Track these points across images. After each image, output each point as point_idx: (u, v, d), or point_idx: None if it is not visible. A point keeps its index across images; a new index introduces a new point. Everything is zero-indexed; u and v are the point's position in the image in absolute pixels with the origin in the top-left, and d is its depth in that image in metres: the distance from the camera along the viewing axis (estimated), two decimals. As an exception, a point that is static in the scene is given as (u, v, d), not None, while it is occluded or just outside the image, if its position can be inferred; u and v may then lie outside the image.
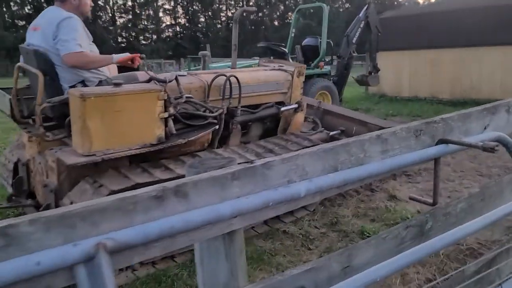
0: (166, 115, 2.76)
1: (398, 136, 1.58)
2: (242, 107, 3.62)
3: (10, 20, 46.41)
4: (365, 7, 9.53)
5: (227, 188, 1.12)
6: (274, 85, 3.90)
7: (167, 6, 56.89)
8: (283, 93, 4.04)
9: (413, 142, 1.65)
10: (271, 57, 8.86)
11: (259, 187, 1.18)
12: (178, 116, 2.91)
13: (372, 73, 9.83)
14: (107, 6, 53.22)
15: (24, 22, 46.98)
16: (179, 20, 57.76)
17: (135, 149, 2.63)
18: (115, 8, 53.43)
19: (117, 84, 2.64)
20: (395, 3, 54.02)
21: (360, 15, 9.41)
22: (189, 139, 2.86)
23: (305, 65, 4.28)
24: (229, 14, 58.10)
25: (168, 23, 58.03)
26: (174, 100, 2.80)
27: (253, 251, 3.53)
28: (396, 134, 1.57)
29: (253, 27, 56.75)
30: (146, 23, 56.53)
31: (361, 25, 9.21)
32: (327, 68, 8.96)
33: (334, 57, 9.78)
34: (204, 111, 3.16)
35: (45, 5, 46.95)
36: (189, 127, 2.99)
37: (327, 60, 9.21)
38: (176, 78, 2.97)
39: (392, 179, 5.31)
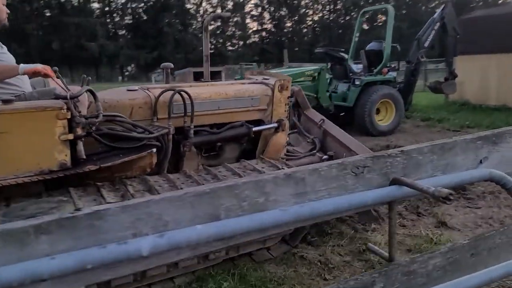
0: (70, 137, 2.35)
1: (324, 174, 1.26)
2: (203, 126, 3.26)
3: (114, 30, 50.60)
4: (441, 7, 8.68)
5: (29, 245, 0.92)
6: (247, 101, 3.45)
7: (254, 13, 57.99)
8: (261, 110, 3.57)
9: (350, 182, 1.31)
10: (329, 64, 8.45)
11: (83, 243, 0.97)
12: (98, 138, 2.56)
13: (449, 80, 8.91)
14: (197, 15, 55.73)
15: (124, 31, 51.06)
16: (265, 25, 58.54)
17: (24, 177, 2.26)
18: (204, 16, 55.71)
19: (5, 101, 2.29)
20: (499, 1, 49.14)
21: (435, 16, 8.59)
22: (103, 165, 2.47)
23: (290, 78, 3.75)
24: (315, 18, 57.62)
25: (254, 29, 59.14)
26: (81, 119, 2.40)
27: (259, 278, 3.26)
28: (319, 172, 1.26)
29: (340, 31, 55.55)
30: (233, 29, 58.23)
31: (436, 27, 8.38)
32: (391, 74, 8.28)
33: (403, 62, 9.04)
34: (143, 132, 2.77)
35: (143, 15, 50.60)
36: (115, 150, 2.64)
37: (393, 65, 8.53)
38: (92, 93, 2.58)
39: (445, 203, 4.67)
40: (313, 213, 1.17)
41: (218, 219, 1.10)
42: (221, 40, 55.36)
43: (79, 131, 2.40)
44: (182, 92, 2.99)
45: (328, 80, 8.35)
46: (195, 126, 3.15)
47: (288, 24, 59.25)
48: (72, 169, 2.35)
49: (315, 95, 7.61)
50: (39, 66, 2.63)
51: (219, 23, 56.06)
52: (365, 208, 1.31)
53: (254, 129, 3.44)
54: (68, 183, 2.54)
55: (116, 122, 2.71)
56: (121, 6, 49.72)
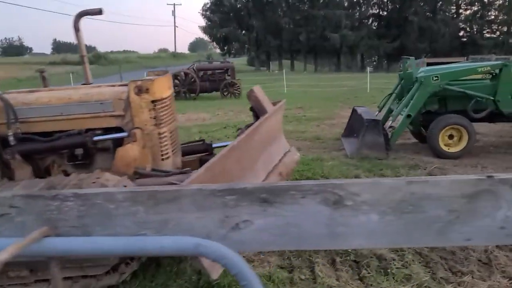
0: None
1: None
2: (46, 133, 3.08)
3: (358, 20, 51.11)
4: None
5: None
6: (96, 106, 3.06)
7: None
8: (117, 117, 3.10)
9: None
10: None
11: None
12: None
13: None
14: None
15: (368, 21, 50.96)
16: (541, 6, 48.09)
17: None
18: (460, 0, 49.90)
19: None
20: None
21: None
22: None
23: (157, 78, 3.10)
24: None
25: (526, 11, 49.40)
26: None
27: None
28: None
29: None
30: (496, 13, 50.26)
31: None
32: None
33: None
34: None
35: (389, 5, 49.16)
36: None
37: None
38: None
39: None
40: None
41: None
42: (477, 27, 48.69)
43: None
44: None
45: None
46: (33, 133, 3.08)
47: None
48: None
49: (492, 98, 5.97)
50: None
51: (476, 7, 49.33)
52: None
53: (96, 138, 3.09)
54: None
55: None
56: (367, -3, 49.66)
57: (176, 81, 17.11)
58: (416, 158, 6.12)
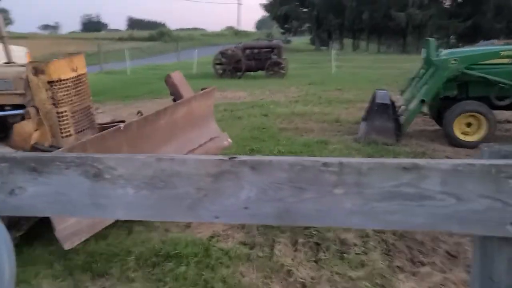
0: None
1: None
2: None
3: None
4: None
5: None
6: (1, 84, 3.25)
7: None
8: (20, 95, 3.28)
9: None
10: None
11: None
12: None
13: None
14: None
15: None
16: None
17: None
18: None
19: None
20: None
21: None
22: None
23: (54, 61, 3.25)
24: None
25: None
26: None
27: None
28: None
29: None
30: None
31: None
32: None
33: None
34: None
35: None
36: None
37: None
38: None
39: None
40: None
41: None
42: None
43: None
44: None
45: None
46: None
47: None
48: None
49: (514, 83, 5.46)
50: None
51: None
52: None
53: None
54: None
55: None
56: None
57: (223, 59, 17.31)
58: (427, 146, 5.82)
